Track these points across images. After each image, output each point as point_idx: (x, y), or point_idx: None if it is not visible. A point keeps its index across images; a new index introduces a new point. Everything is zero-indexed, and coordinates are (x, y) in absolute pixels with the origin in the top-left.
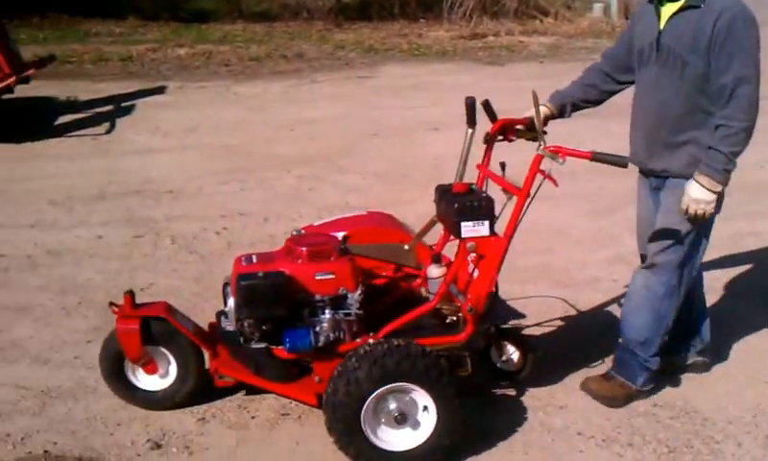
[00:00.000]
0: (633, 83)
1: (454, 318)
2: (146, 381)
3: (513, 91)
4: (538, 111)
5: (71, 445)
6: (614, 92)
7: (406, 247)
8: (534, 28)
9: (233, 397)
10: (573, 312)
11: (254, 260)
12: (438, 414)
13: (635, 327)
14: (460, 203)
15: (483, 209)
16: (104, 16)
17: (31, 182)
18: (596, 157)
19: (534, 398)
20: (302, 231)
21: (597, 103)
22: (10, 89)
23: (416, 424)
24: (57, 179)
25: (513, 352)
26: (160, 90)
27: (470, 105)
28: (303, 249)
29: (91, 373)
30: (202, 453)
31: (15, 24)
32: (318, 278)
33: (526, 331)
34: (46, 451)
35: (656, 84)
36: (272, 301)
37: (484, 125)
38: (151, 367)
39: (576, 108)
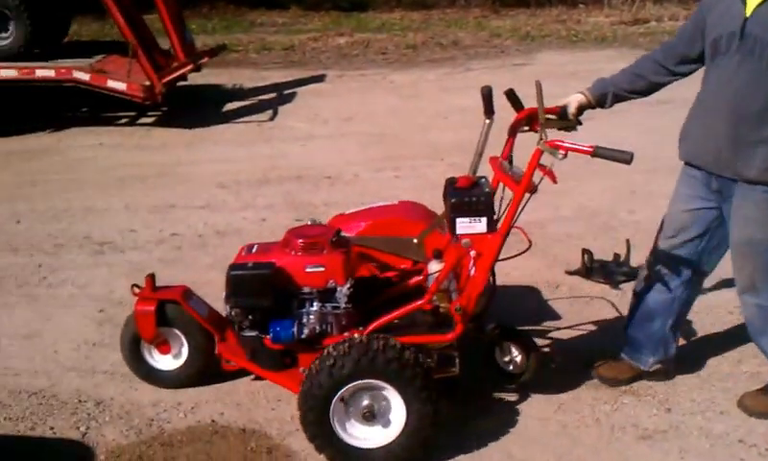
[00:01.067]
0: (687, 75)
1: (448, 316)
2: (161, 361)
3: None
4: (540, 101)
5: (236, 416)
6: (664, 84)
7: (415, 240)
8: None
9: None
10: None
11: (254, 250)
12: (407, 413)
13: None
14: (456, 198)
15: (480, 205)
16: (267, 7)
17: (202, 166)
18: (598, 153)
19: (693, 402)
20: (317, 221)
21: (643, 94)
22: (184, 77)
23: (386, 423)
24: (225, 163)
25: (516, 355)
26: (320, 79)
27: (487, 94)
28: (297, 240)
29: None
30: None
31: (186, 14)
32: (308, 270)
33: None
34: (213, 421)
35: (734, 75)
36: (258, 291)
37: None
38: (165, 347)
39: (618, 98)
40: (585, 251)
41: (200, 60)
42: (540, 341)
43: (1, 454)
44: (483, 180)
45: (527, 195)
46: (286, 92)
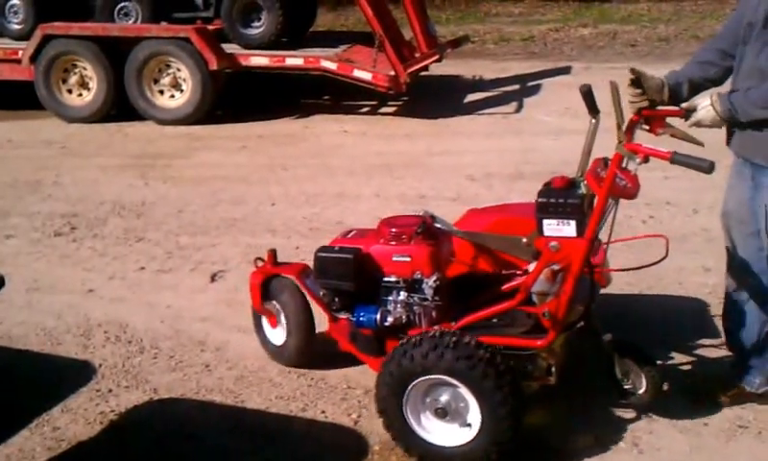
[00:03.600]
0: None
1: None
2: (271, 334)
3: None
4: (617, 104)
5: None
6: (732, 69)
7: (524, 240)
8: None
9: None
10: None
11: (349, 236)
12: (482, 415)
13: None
14: (545, 198)
15: (569, 207)
16: None
17: (449, 157)
18: (676, 160)
19: None
20: (429, 212)
21: (716, 82)
22: (426, 68)
23: (464, 423)
24: (473, 155)
25: (633, 371)
26: (565, 71)
27: (587, 92)
28: (388, 230)
29: None
30: (652, 454)
31: None
32: (395, 259)
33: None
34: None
35: (756, 61)
36: (341, 274)
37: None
38: (273, 320)
39: (695, 87)
40: None
41: (444, 51)
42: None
43: (275, 433)
44: (584, 182)
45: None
46: (530, 84)
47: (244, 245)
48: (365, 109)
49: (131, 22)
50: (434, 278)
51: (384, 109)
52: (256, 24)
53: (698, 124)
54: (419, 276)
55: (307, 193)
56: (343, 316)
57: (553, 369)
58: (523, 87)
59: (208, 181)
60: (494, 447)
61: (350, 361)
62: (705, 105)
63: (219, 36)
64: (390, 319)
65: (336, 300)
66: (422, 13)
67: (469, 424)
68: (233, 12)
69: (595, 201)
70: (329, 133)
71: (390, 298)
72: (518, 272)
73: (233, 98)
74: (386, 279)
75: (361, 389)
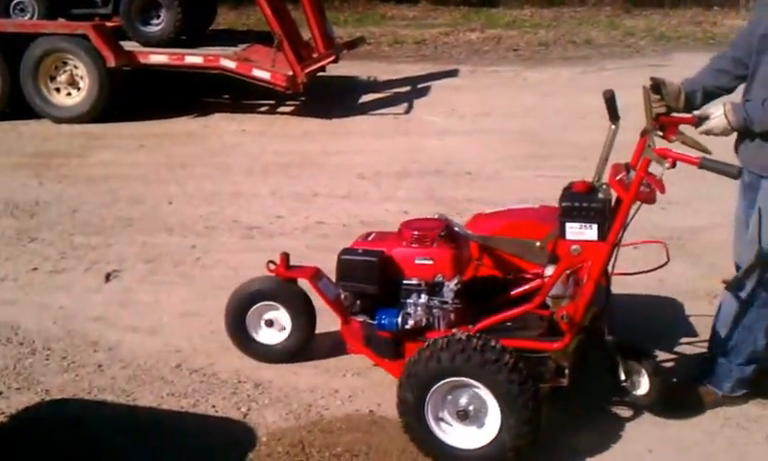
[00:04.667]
0: None
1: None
2: (263, 335)
3: None
4: (649, 109)
5: (393, 408)
6: (746, 78)
7: (537, 244)
8: None
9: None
10: None
11: (369, 238)
12: (501, 418)
13: (722, 334)
14: (568, 202)
15: (592, 212)
16: (397, 1)
17: (342, 156)
18: (705, 165)
19: None
20: (444, 215)
21: (729, 90)
22: (323, 68)
23: (481, 425)
24: (364, 154)
25: (636, 374)
26: (453, 73)
27: (610, 98)
28: (410, 232)
29: None
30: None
31: None
32: (417, 262)
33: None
34: (371, 411)
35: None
36: (364, 277)
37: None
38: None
39: (708, 95)
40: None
41: (340, 52)
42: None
43: (167, 429)
44: (604, 186)
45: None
46: (420, 86)
47: (140, 244)
48: (263, 109)
49: (27, 18)
50: (455, 281)
51: (282, 109)
52: (155, 21)
53: (709, 132)
54: (440, 278)
55: (205, 192)
56: (360, 319)
57: (566, 371)
58: (414, 89)
59: (105, 180)
60: (512, 449)
61: (242, 356)
62: (718, 114)
63: (117, 33)
64: (410, 322)
65: (357, 302)
66: (321, 15)
67: (487, 427)
68: (132, 10)
69: (618, 205)
70: (228, 132)
71: (410, 300)
72: (528, 275)
73: (132, 96)
74: (407, 281)
75: (251, 383)
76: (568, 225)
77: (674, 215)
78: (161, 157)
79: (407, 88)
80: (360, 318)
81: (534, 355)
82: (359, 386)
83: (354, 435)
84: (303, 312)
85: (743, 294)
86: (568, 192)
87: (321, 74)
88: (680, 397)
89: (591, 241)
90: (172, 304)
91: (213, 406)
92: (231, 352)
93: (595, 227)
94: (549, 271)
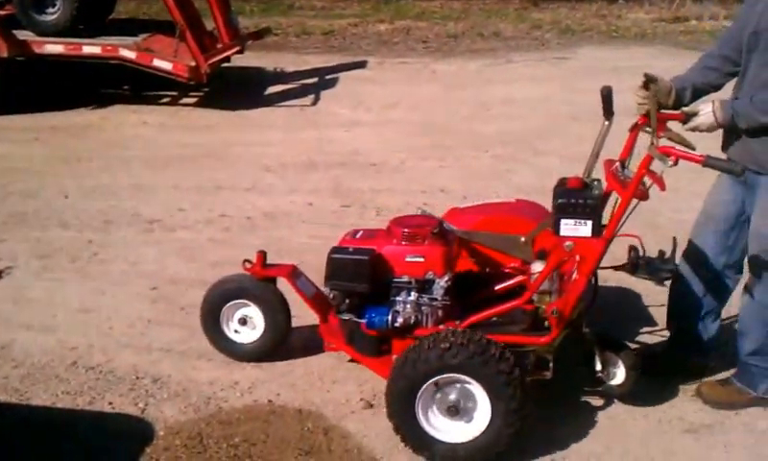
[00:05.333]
0: None
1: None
2: (238, 333)
3: None
4: (654, 106)
5: (292, 397)
6: (734, 75)
7: (522, 239)
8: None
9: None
10: None
11: (357, 236)
12: (491, 411)
13: (747, 339)
14: (563, 198)
15: (587, 208)
16: None
17: (247, 148)
18: (709, 163)
19: None
20: (427, 211)
21: (717, 87)
22: (227, 59)
23: (470, 419)
24: (270, 146)
25: (614, 365)
26: (361, 65)
27: (607, 95)
28: (400, 230)
29: (309, 331)
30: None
31: None
32: (408, 259)
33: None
34: (270, 401)
35: (763, 69)
36: (356, 276)
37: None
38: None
39: (697, 93)
40: (631, 247)
41: (246, 42)
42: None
43: (62, 428)
44: (595, 182)
45: (634, 201)
46: (328, 77)
47: (33, 240)
48: (165, 100)
49: None
50: (446, 277)
51: (185, 101)
52: (51, 10)
53: (695, 128)
54: (431, 276)
55: (103, 185)
56: (346, 317)
57: (551, 364)
58: (321, 81)
59: None
60: (502, 440)
61: (139, 352)
62: (706, 111)
63: (11, 22)
64: (400, 319)
65: (347, 301)
66: (225, 4)
67: (477, 420)
68: None
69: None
70: (128, 123)
71: (400, 298)
72: (506, 269)
73: (26, 87)
74: (397, 279)
75: (149, 378)
76: (563, 221)
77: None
78: (57, 149)
79: (314, 80)
80: (346, 316)
81: (522, 350)
82: (259, 377)
83: (253, 425)
84: (278, 311)
85: (761, 294)
86: (562, 189)
87: (225, 65)
88: (708, 392)
89: (585, 237)
90: (67, 301)
91: (110, 403)
92: (129, 349)
93: (590, 223)
94: (538, 266)
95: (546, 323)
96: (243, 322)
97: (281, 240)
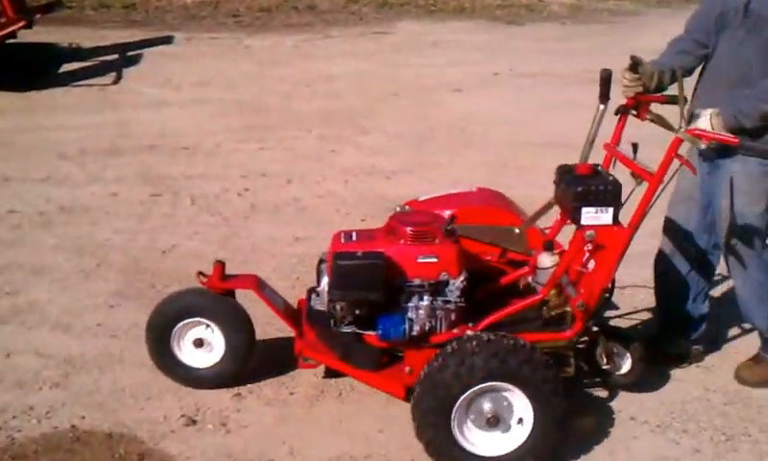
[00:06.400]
0: None
1: (558, 313)
2: (191, 357)
3: (535, 53)
4: (681, 91)
5: (100, 419)
6: (705, 58)
7: (516, 230)
8: None
9: (270, 372)
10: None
11: (354, 238)
12: (535, 418)
13: (759, 319)
14: (582, 186)
15: (608, 195)
16: None
17: (39, 134)
18: (744, 146)
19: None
20: (407, 208)
21: (691, 71)
22: (13, 35)
23: (507, 428)
24: (66, 131)
25: (619, 355)
26: (167, 41)
27: (606, 78)
28: (407, 229)
29: (116, 341)
30: (239, 431)
31: None
32: (420, 260)
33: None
34: (74, 426)
35: (738, 48)
36: (368, 284)
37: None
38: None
39: (675, 77)
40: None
41: (33, 16)
42: None
43: None
44: (600, 168)
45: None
46: (130, 54)
47: None
48: None
49: None
50: (461, 278)
51: None
52: None
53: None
54: (445, 277)
55: None
56: (348, 330)
57: (572, 360)
58: (123, 57)
59: None
60: (546, 448)
61: None
62: (703, 122)
63: None
64: (417, 327)
65: (357, 312)
66: None
67: (515, 430)
68: None
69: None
70: None
71: (412, 304)
72: (500, 263)
73: None
74: (409, 283)
75: None
76: (584, 210)
77: (400, 185)
78: None
79: (115, 57)
80: (348, 329)
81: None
82: (58, 399)
83: (53, 457)
84: (240, 330)
85: (754, 272)
86: (576, 176)
87: (11, 41)
88: (747, 374)
89: (608, 226)
90: None
91: None
92: None
93: (611, 211)
94: (545, 259)
95: (559, 317)
96: (199, 344)
97: (81, 237)
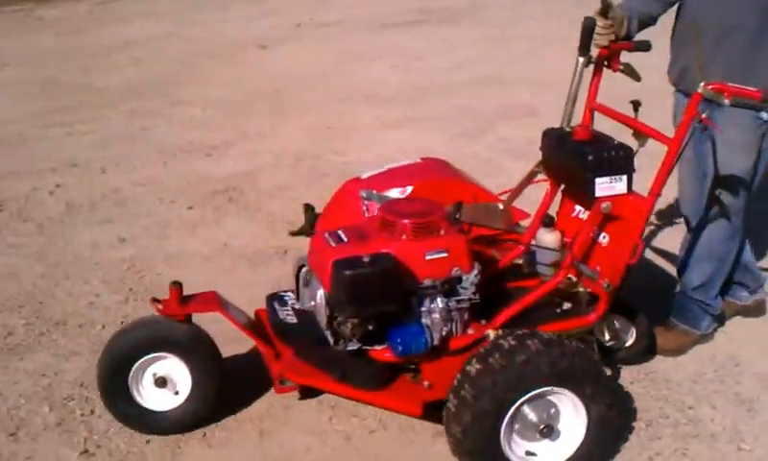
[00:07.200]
0: None
1: (569, 294)
2: (154, 400)
3: None
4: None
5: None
6: (673, 4)
7: (500, 207)
8: None
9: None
10: None
11: (345, 239)
12: (588, 422)
13: (695, 273)
14: (593, 154)
15: (620, 161)
16: None
17: None
18: (767, 98)
19: None
20: (374, 193)
21: (656, 19)
22: None
23: (556, 436)
24: None
25: (623, 330)
26: None
27: (588, 28)
28: (406, 221)
29: None
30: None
31: None
32: (428, 257)
33: None
34: None
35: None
36: (383, 293)
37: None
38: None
39: (642, 24)
40: (306, 206)
41: None
42: None
43: None
44: (597, 132)
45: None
46: None
47: None
48: None
49: None
50: (474, 271)
51: None
52: None
53: None
54: (457, 272)
55: None
56: (352, 348)
57: (595, 345)
58: None
59: None
60: (602, 452)
61: None
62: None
63: None
64: (435, 334)
65: (369, 328)
66: None
67: (564, 439)
68: None
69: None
70: None
71: (425, 308)
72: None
73: None
74: (420, 285)
75: None
76: (598, 180)
77: (223, 162)
78: None
79: None
80: (352, 347)
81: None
82: None
83: None
84: (208, 361)
85: (712, 229)
86: (579, 143)
87: None
88: (661, 342)
89: (622, 195)
90: None
91: None
92: None
93: (625, 178)
94: (545, 235)
95: (572, 299)
96: (161, 383)
97: None
